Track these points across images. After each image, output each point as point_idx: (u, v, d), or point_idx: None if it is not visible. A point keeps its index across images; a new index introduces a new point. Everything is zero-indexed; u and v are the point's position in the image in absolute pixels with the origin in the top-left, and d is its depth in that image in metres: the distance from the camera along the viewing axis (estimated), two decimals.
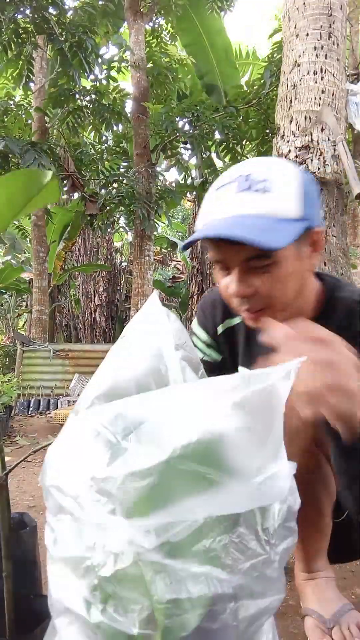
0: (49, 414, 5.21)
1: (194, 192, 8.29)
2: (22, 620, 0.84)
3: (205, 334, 1.15)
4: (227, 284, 0.85)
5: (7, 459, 2.88)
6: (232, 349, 1.12)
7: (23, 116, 7.26)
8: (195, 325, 1.19)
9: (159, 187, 6.59)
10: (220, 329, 1.13)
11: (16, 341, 6.43)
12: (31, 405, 5.58)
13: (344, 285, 0.99)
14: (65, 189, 6.87)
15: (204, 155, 7.14)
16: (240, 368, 1.11)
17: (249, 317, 0.89)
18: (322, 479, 1.06)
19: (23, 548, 1.08)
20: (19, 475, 2.68)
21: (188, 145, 6.48)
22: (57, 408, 5.17)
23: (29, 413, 5.45)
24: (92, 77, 6.63)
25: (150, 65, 7.10)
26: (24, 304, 10.82)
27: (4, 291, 9.28)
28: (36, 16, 5.68)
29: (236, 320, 1.10)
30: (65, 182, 6.84)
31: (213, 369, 1.12)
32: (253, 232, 0.76)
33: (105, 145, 7.67)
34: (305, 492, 1.01)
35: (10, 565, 0.83)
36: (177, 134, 6.27)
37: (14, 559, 0.84)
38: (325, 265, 2.36)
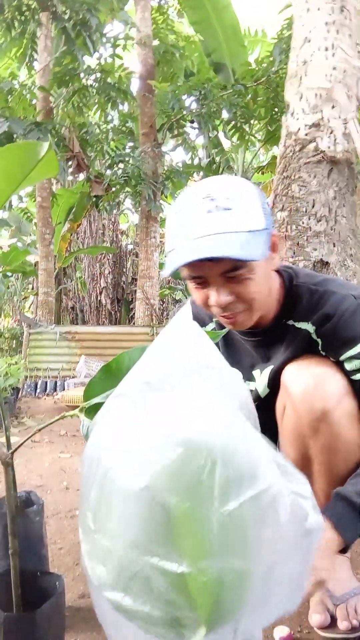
0: (56, 395, 5.24)
1: (201, 173, 8.19)
2: (28, 597, 0.84)
3: None
4: (207, 296, 0.95)
5: (14, 439, 2.91)
6: None
7: (27, 96, 7.17)
8: None
9: (166, 168, 6.52)
10: None
11: (23, 323, 6.44)
12: (38, 387, 5.61)
13: (299, 272, 1.09)
14: (70, 170, 6.80)
15: (211, 135, 7.04)
16: None
17: (228, 321, 1.00)
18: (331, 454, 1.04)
19: (29, 526, 1.09)
20: (27, 455, 2.71)
21: (195, 125, 6.38)
22: (64, 390, 5.19)
23: (36, 395, 5.48)
24: (97, 55, 6.52)
25: (156, 42, 6.96)
26: (30, 286, 10.82)
27: (10, 274, 9.28)
28: None
29: (209, 328, 1.18)
30: (70, 162, 6.77)
31: None
32: (235, 248, 0.85)
33: (111, 124, 7.56)
34: (323, 470, 1.02)
35: (17, 542, 0.83)
36: (184, 112, 6.18)
37: (21, 536, 0.84)
38: (334, 246, 2.32)
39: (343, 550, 0.90)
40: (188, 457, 0.55)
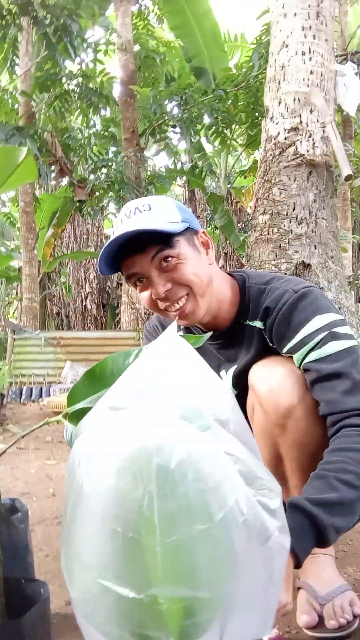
0: (42, 401, 5.20)
1: (184, 177, 8.22)
2: (13, 605, 0.84)
3: None
4: (150, 292, 1.04)
5: None
6: None
7: (9, 101, 7.13)
8: None
9: (149, 172, 6.53)
10: None
11: (7, 329, 6.39)
12: (23, 393, 5.57)
13: (251, 274, 1.16)
14: (53, 174, 6.78)
15: (194, 140, 7.07)
16: None
17: (177, 314, 1.05)
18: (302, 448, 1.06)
19: (14, 533, 1.08)
20: (12, 462, 2.68)
21: (177, 129, 6.40)
22: (49, 395, 5.16)
23: (22, 401, 5.43)
24: (78, 60, 6.51)
25: (137, 48, 6.98)
26: (14, 291, 10.74)
27: None
28: None
29: None
30: (53, 167, 6.75)
31: None
32: (152, 224, 0.98)
33: (93, 129, 7.56)
34: (298, 467, 1.03)
35: (1, 549, 0.83)
36: (166, 117, 6.20)
37: (5, 544, 0.84)
38: (315, 248, 2.35)
39: (297, 567, 0.82)
40: (128, 488, 0.55)
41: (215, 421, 0.61)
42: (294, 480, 1.06)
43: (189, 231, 1.05)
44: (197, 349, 1.15)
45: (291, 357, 1.05)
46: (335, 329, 1.00)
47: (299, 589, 1.12)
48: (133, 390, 0.64)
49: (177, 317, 1.05)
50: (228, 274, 1.18)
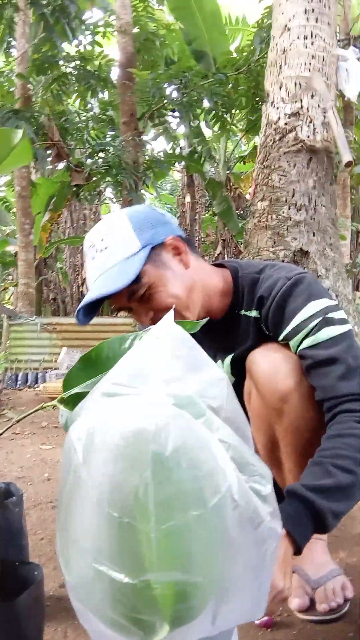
0: (38, 387, 5.21)
1: (182, 162, 8.15)
2: (7, 587, 0.84)
3: None
4: (136, 319, 1.08)
5: None
6: None
7: (5, 84, 7.03)
8: None
9: (147, 157, 6.47)
10: None
11: (2, 315, 6.37)
12: (19, 379, 5.57)
13: (242, 264, 1.16)
14: (49, 158, 6.71)
15: (193, 124, 7.00)
16: None
17: None
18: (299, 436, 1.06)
19: (9, 517, 1.08)
20: (8, 447, 2.69)
21: (176, 113, 6.33)
22: (45, 381, 5.16)
23: (17, 387, 5.44)
24: (76, 42, 6.41)
25: (136, 30, 6.87)
26: (10, 277, 10.69)
27: None
28: None
29: None
30: (49, 151, 6.67)
31: None
32: (111, 282, 0.97)
33: (91, 113, 7.47)
34: (292, 454, 1.04)
35: None
36: (165, 101, 6.12)
37: (0, 527, 0.83)
38: (314, 235, 2.34)
39: (297, 553, 0.84)
40: (124, 475, 0.55)
41: (208, 408, 0.61)
42: (289, 464, 1.07)
43: (154, 250, 1.02)
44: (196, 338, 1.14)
45: (287, 344, 1.05)
46: (329, 314, 1.00)
47: (292, 572, 1.14)
48: (128, 376, 0.64)
49: None
50: (219, 264, 1.19)
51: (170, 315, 0.71)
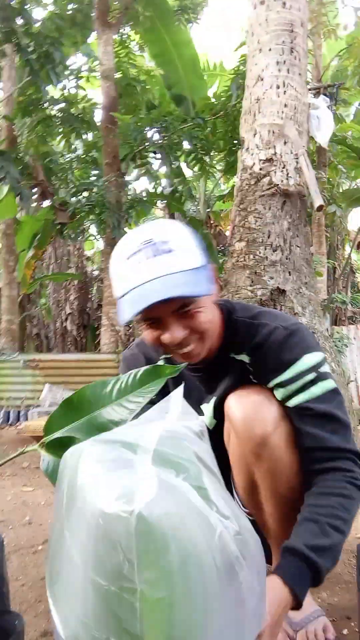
0: (19, 425, 5.13)
1: (164, 201, 8.32)
2: None
3: None
4: (159, 334, 0.99)
5: None
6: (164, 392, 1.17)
7: None
8: None
9: (129, 196, 6.61)
10: None
11: None
12: (0, 416, 5.49)
13: (236, 306, 1.15)
14: (34, 197, 6.81)
15: (174, 165, 7.18)
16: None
17: (182, 356, 1.03)
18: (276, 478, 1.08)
19: None
20: None
21: (158, 155, 6.51)
22: (27, 419, 5.09)
23: None
24: (60, 85, 6.60)
25: (119, 75, 7.12)
26: None
27: None
28: (2, 25, 5.65)
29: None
30: (34, 190, 6.79)
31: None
32: (183, 287, 0.92)
33: (75, 154, 7.64)
34: (271, 498, 1.05)
35: None
36: (147, 143, 6.30)
37: None
38: (289, 274, 2.41)
39: (296, 608, 0.87)
40: (108, 554, 0.57)
41: (184, 460, 0.64)
42: (268, 508, 1.08)
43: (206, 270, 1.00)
44: (180, 380, 1.17)
45: (271, 389, 1.07)
46: (321, 369, 1.04)
47: None
48: (119, 440, 0.67)
49: (180, 357, 1.04)
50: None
51: (180, 390, 0.75)
